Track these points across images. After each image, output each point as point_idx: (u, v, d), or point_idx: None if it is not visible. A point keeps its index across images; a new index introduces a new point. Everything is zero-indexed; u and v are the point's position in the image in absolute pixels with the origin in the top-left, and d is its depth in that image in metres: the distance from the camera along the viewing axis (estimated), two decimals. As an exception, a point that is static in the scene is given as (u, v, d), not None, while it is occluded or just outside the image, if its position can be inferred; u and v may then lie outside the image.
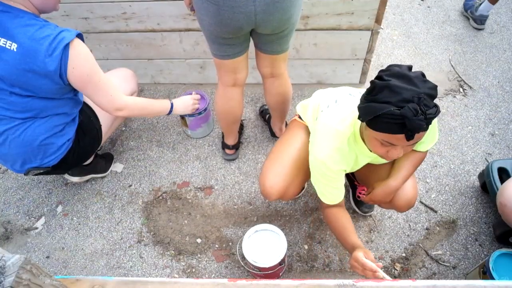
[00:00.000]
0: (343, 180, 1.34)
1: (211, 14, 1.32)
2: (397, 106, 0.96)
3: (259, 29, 1.39)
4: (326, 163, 1.26)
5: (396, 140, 1.03)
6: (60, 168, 1.61)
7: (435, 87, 1.00)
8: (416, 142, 1.05)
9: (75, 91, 1.49)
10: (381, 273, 1.08)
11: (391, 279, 0.94)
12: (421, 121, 0.95)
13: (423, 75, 1.03)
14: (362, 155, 1.30)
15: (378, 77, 1.04)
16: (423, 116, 0.95)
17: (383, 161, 1.39)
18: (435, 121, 1.26)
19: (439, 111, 1.00)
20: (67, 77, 1.35)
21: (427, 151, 1.39)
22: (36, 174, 1.61)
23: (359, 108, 1.08)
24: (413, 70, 1.05)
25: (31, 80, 1.33)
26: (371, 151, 1.26)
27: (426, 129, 0.99)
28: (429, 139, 1.32)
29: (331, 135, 1.25)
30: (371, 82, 1.04)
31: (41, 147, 1.49)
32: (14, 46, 1.27)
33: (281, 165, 1.45)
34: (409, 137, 0.98)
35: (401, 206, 1.43)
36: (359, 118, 1.09)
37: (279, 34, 1.44)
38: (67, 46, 1.30)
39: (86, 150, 1.66)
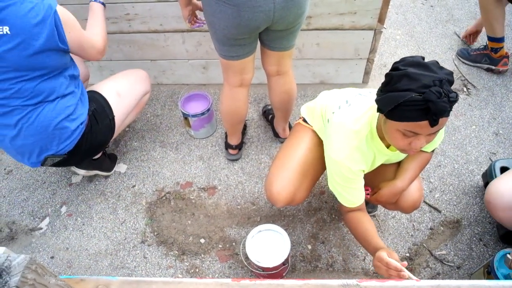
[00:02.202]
0: (362, 181, 1.32)
1: (229, 16, 1.32)
2: (418, 93, 0.96)
3: (274, 26, 1.40)
4: (346, 164, 1.24)
5: (420, 129, 1.01)
6: (74, 156, 1.63)
7: (451, 73, 1.00)
8: (439, 130, 1.04)
9: (71, 60, 1.54)
10: (407, 272, 1.04)
11: (417, 279, 0.92)
12: (445, 103, 0.94)
13: (437, 62, 1.03)
14: (380, 154, 1.28)
15: (394, 69, 1.04)
16: (447, 98, 0.95)
17: (395, 160, 1.38)
18: None
19: (459, 97, 1.00)
20: (67, 42, 1.42)
21: (433, 151, 1.38)
22: (52, 165, 1.62)
23: (378, 100, 1.07)
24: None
25: (35, 57, 1.36)
26: (387, 147, 1.25)
27: (448, 114, 0.98)
28: (437, 139, 1.31)
29: (348, 135, 1.23)
30: (387, 74, 1.04)
31: (56, 132, 1.51)
32: (6, 29, 1.30)
33: (288, 170, 1.43)
34: (434, 122, 0.97)
35: (406, 207, 1.42)
36: (378, 110, 1.08)
37: (291, 29, 1.45)
38: (56, 13, 1.36)
39: (99, 139, 1.68)
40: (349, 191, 1.31)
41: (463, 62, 2.42)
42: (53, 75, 1.45)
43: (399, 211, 1.48)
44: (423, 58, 1.04)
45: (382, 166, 1.42)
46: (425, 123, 0.99)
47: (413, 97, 0.96)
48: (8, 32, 1.30)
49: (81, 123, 1.56)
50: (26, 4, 1.32)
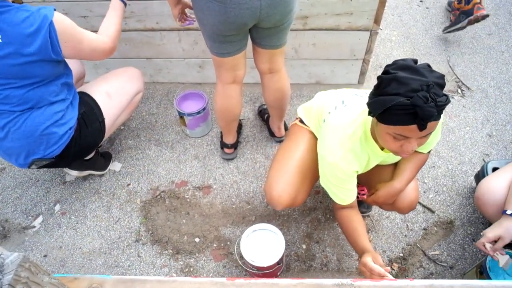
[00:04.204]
0: (355, 180, 1.33)
1: (216, 13, 1.33)
2: (406, 97, 0.96)
3: (262, 23, 1.41)
4: (339, 166, 1.24)
5: (409, 132, 1.02)
6: (63, 159, 1.61)
7: (442, 76, 1.00)
8: (430, 133, 1.04)
9: (65, 68, 1.51)
10: (390, 278, 1.07)
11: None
12: (432, 108, 0.94)
13: (429, 66, 1.03)
14: (374, 155, 1.29)
15: (385, 72, 1.04)
16: (434, 103, 0.95)
17: (391, 161, 1.39)
18: (440, 121, 1.25)
19: (449, 100, 0.99)
20: (62, 52, 1.39)
21: (429, 152, 1.39)
22: (40, 167, 1.60)
23: (369, 104, 1.07)
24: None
25: (25, 66, 1.34)
26: (382, 149, 1.26)
27: (438, 118, 0.99)
28: (433, 139, 1.32)
29: (342, 137, 1.24)
30: (378, 77, 1.04)
31: (43, 137, 1.49)
32: None
33: (287, 173, 1.43)
34: (422, 126, 0.98)
35: (403, 208, 1.42)
36: (369, 114, 1.08)
37: (279, 27, 1.46)
38: (51, 23, 1.33)
39: (88, 141, 1.66)
40: (341, 191, 1.32)
41: (452, 32, 2.48)
42: (43, 84, 1.43)
43: (396, 211, 1.49)
44: (416, 61, 1.04)
45: (379, 167, 1.42)
46: (414, 127, 0.99)
47: (401, 102, 0.96)
48: (0, 41, 1.28)
49: (70, 128, 1.55)
50: (21, 13, 1.30)
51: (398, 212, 1.47)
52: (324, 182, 1.34)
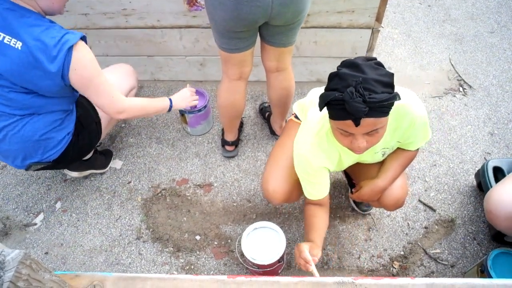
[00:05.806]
0: (325, 177, 1.33)
1: (228, 9, 1.33)
2: (341, 92, 0.97)
3: (272, 21, 1.41)
4: (307, 159, 1.27)
5: (348, 128, 1.03)
6: (61, 162, 1.62)
7: (387, 74, 1.00)
8: (376, 130, 1.03)
9: (75, 90, 1.49)
10: (313, 267, 1.15)
11: (319, 276, 0.99)
12: (359, 103, 0.94)
13: (377, 63, 1.03)
14: (345, 153, 1.30)
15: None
16: (361, 98, 0.94)
17: (371, 160, 1.39)
18: (425, 120, 1.24)
19: (396, 99, 0.98)
20: (68, 78, 1.36)
21: (417, 150, 1.38)
22: (37, 169, 1.61)
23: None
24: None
25: (33, 79, 1.34)
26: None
27: (376, 115, 0.97)
28: (420, 138, 1.31)
29: (311, 131, 1.27)
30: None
31: (41, 142, 1.49)
32: (19, 45, 1.28)
33: (282, 169, 1.45)
34: (355, 122, 0.98)
35: (389, 205, 1.44)
36: (320, 109, 1.08)
37: (290, 26, 1.46)
38: (70, 49, 1.31)
39: (86, 144, 1.66)
40: (310, 185, 1.34)
41: None
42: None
43: (383, 208, 1.50)
44: (370, 59, 1.03)
45: (366, 164, 1.44)
46: (350, 122, 1.00)
47: (336, 97, 0.97)
48: (19, 48, 1.28)
49: (68, 133, 1.55)
50: (49, 31, 1.29)
51: (386, 209, 1.50)
52: (297, 173, 1.37)
